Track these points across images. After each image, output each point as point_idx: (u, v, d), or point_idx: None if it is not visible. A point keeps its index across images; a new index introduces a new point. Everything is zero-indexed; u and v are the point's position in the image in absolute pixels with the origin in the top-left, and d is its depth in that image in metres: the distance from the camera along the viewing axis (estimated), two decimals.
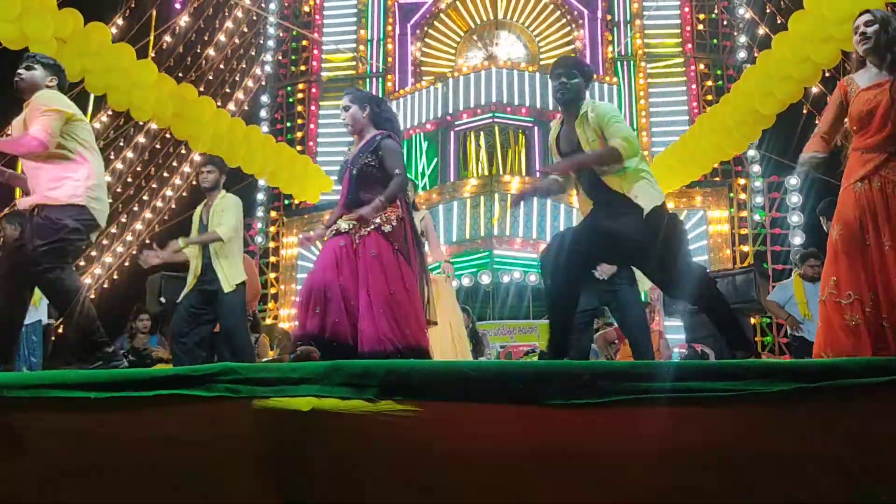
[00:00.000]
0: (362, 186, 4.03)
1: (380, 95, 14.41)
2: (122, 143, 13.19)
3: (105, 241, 13.57)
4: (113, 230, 13.61)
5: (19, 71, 4.13)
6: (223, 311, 5.35)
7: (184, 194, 14.12)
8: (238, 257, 5.50)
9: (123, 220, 13.75)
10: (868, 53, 3.56)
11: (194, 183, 14.00)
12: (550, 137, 4.14)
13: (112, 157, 13.03)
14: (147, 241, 13.81)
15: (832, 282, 3.51)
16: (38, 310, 7.04)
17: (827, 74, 10.11)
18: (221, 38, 14.16)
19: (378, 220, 3.96)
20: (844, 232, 3.48)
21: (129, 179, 13.59)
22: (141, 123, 12.33)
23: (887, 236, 3.37)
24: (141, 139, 13.23)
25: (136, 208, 13.82)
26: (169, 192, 14.09)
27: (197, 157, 13.59)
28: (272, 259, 14.06)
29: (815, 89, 10.28)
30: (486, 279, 11.88)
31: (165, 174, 14.02)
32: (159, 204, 14.04)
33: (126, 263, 13.77)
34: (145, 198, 13.91)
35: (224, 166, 5.77)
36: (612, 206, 3.79)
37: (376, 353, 3.71)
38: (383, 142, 4.05)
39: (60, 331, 8.08)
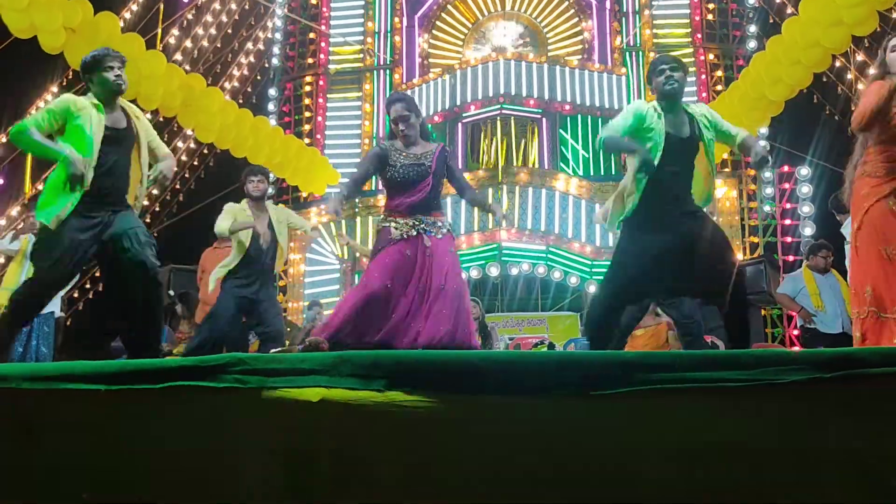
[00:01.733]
0: (437, 192, 4.33)
1: (387, 87, 14.40)
2: None
3: None
4: None
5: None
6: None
7: (192, 186, 14.15)
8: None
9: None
10: None
11: (202, 176, 14.08)
12: (646, 113, 3.95)
13: None
14: (155, 235, 13.88)
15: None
16: (52, 301, 7.10)
17: (838, 64, 10.04)
18: (228, 30, 14.15)
19: (448, 223, 4.33)
20: (889, 248, 3.43)
21: None
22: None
23: None
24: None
25: (145, 202, 13.85)
26: (177, 186, 14.12)
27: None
28: None
29: (824, 79, 10.20)
30: (494, 271, 11.85)
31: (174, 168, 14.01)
32: (168, 198, 14.08)
33: None
34: (154, 192, 13.93)
35: (269, 176, 5.93)
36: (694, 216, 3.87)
37: (447, 347, 3.89)
38: (447, 156, 4.41)
39: (69, 323, 8.12)
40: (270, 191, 14.04)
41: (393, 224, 4.18)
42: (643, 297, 4.08)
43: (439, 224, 4.23)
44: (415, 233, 4.14)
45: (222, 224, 5.63)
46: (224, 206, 5.85)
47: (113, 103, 4.08)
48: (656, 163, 3.79)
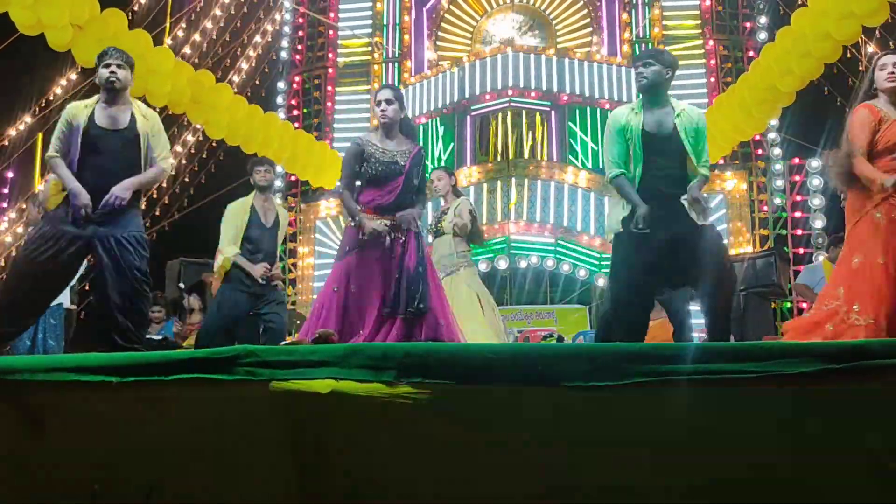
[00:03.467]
0: (407, 194, 4.27)
1: (396, 80, 14.37)
2: None
3: None
4: None
5: (114, 70, 4.08)
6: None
7: (202, 181, 14.18)
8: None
9: (143, 206, 13.82)
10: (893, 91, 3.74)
11: (213, 168, 14.12)
12: (625, 121, 3.93)
13: None
14: (166, 227, 13.94)
15: (856, 307, 3.55)
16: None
17: (849, 55, 9.95)
18: (238, 24, 14.15)
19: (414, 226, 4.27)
20: (865, 261, 3.57)
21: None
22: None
23: None
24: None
25: (153, 195, 13.89)
26: (186, 179, 14.16)
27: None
28: (290, 245, 14.09)
29: (834, 70, 10.12)
30: (502, 264, 11.84)
31: (183, 161, 14.06)
32: (178, 190, 14.11)
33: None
34: (164, 184, 13.95)
35: (276, 166, 5.95)
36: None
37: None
38: (423, 159, 4.41)
39: (82, 316, 8.15)
40: (279, 183, 14.03)
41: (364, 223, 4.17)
42: (647, 294, 4.04)
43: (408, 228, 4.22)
44: (385, 232, 4.13)
45: (224, 250, 5.71)
46: (227, 209, 5.83)
47: (112, 100, 4.09)
48: (641, 160, 3.81)
